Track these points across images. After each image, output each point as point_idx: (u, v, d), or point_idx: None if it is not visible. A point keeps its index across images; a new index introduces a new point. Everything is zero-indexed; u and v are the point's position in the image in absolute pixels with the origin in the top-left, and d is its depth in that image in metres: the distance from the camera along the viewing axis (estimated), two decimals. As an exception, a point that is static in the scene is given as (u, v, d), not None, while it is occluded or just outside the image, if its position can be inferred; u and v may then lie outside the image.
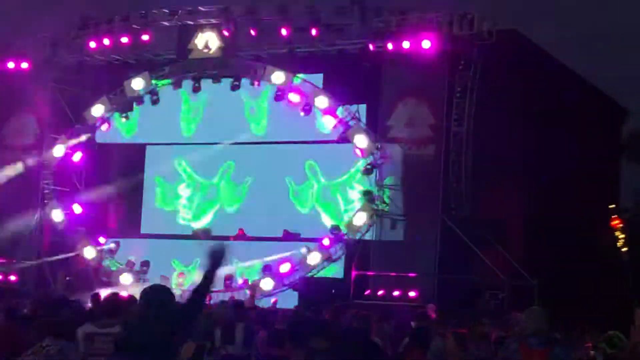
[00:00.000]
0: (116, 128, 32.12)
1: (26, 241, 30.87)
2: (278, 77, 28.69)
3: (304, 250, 27.96)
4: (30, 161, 31.40)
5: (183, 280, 28.89)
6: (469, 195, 26.85)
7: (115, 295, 11.51)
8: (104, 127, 31.64)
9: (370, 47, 27.46)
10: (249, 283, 28.07)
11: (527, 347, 8.86)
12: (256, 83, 29.55)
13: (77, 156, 31.61)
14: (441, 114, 26.99)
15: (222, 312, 13.76)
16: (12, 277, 30.16)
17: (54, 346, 6.90)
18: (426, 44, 26.43)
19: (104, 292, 20.09)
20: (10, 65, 31.57)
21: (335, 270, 28.24)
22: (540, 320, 8.98)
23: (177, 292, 26.35)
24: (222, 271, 27.68)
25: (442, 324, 16.04)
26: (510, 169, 27.36)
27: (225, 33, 29.21)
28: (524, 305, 10.07)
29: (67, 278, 29.93)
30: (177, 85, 30.58)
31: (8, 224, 30.28)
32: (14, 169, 31.27)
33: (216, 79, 29.98)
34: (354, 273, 26.93)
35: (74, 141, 31.37)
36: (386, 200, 27.20)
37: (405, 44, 26.69)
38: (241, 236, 30.09)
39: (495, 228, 26.48)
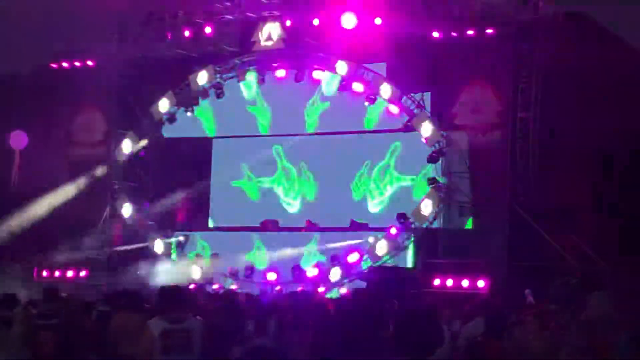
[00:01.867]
0: (182, 123, 32.27)
1: (96, 237, 31.25)
2: (342, 67, 28.62)
3: (371, 239, 27.88)
4: (104, 168, 31.77)
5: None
6: (537, 181, 26.60)
7: (179, 288, 11.54)
8: (171, 121, 31.82)
9: (435, 34, 27.28)
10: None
11: (593, 332, 8.69)
12: (320, 73, 29.58)
13: (144, 151, 31.89)
14: (507, 100, 26.76)
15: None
16: (83, 273, 30.51)
17: None
18: (490, 29, 26.21)
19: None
20: (77, 63, 31.99)
21: (403, 259, 28.13)
22: (607, 304, 8.81)
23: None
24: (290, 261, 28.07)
25: (518, 310, 15.90)
26: (579, 154, 26.99)
27: (288, 24, 29.23)
28: (595, 291, 9.92)
29: (137, 272, 30.21)
30: (241, 78, 30.69)
31: (79, 220, 30.71)
32: (94, 174, 31.68)
33: (279, 70, 30.04)
34: (422, 262, 26.84)
35: (141, 137, 31.64)
36: (452, 187, 27.03)
37: (470, 31, 26.50)
38: (310, 227, 30.22)
39: (564, 214, 26.17)
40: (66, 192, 31.37)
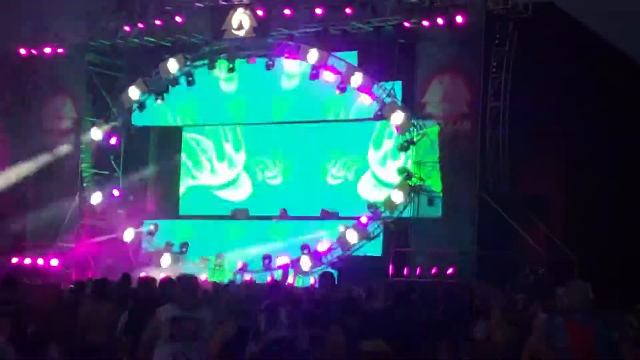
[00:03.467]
0: (151, 110, 32.12)
1: (66, 225, 31.11)
2: (313, 55, 28.57)
3: (342, 228, 27.90)
4: (68, 146, 31.59)
5: (221, 261, 29.02)
6: (507, 171, 26.70)
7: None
8: (140, 109, 31.69)
9: (405, 24, 27.29)
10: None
11: (573, 322, 8.62)
12: (290, 62, 29.57)
13: (114, 139, 31.77)
14: (477, 90, 26.78)
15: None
16: (54, 261, 30.34)
17: None
18: (460, 19, 26.24)
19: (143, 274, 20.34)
20: (47, 50, 31.79)
21: (373, 248, 28.17)
22: (586, 295, 8.76)
23: (215, 272, 26.77)
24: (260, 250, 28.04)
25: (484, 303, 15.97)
26: (549, 144, 27.11)
27: (259, 12, 29.16)
28: (564, 281, 9.90)
29: (108, 261, 30.11)
30: (211, 66, 30.60)
31: (48, 208, 30.54)
32: (56, 153, 31.46)
33: (250, 59, 29.99)
34: (392, 251, 26.90)
35: (110, 124, 31.52)
36: (423, 177, 27.06)
37: (440, 20, 26.52)
38: (283, 216, 30.27)
39: (534, 204, 26.28)
40: (26, 168, 31.21)
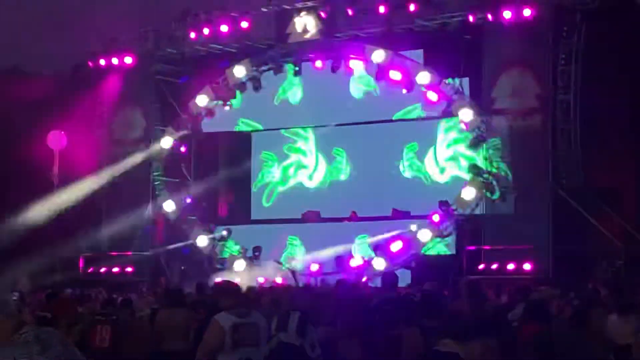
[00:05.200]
0: (221, 116, 32.33)
1: (140, 233, 31.43)
2: (378, 55, 28.49)
3: (414, 227, 27.77)
4: (139, 155, 31.90)
5: (295, 264, 29.05)
6: (580, 164, 26.37)
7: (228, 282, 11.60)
8: (209, 116, 31.91)
9: (470, 19, 27.08)
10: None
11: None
12: (355, 63, 29.53)
13: (184, 147, 32.02)
14: (546, 83, 26.50)
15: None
16: (129, 269, 30.69)
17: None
18: (527, 12, 25.97)
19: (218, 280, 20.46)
20: (115, 60, 32.17)
21: (446, 247, 28.02)
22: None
23: (289, 274, 26.78)
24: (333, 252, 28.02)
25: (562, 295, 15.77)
26: (621, 134, 26.72)
27: (323, 14, 29.18)
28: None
29: (182, 267, 30.37)
30: (277, 70, 30.69)
31: (122, 217, 30.89)
32: (130, 162, 31.77)
33: (316, 61, 30.01)
34: (466, 248, 26.72)
35: (180, 132, 31.75)
36: (494, 173, 26.83)
37: (506, 14, 26.25)
38: (354, 217, 30.26)
39: (608, 195, 25.93)
40: (99, 179, 31.54)
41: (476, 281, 16.70)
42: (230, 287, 11.10)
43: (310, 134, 32.76)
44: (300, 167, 33.10)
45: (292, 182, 33.22)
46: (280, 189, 33.37)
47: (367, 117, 31.08)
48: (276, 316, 11.44)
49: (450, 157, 30.37)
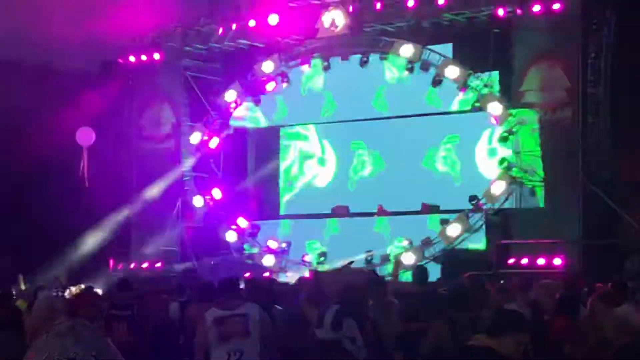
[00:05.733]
0: (250, 112, 32.39)
1: (169, 229, 31.52)
2: (407, 50, 28.43)
3: (443, 222, 27.73)
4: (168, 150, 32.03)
5: (324, 259, 29.07)
6: (610, 157, 26.21)
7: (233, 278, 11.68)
8: (238, 112, 31.98)
9: (500, 12, 26.96)
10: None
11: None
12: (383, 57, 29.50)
13: (213, 142, 32.08)
14: (576, 76, 26.36)
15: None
16: (158, 264, 30.72)
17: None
18: (557, 5, 25.83)
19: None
20: (143, 57, 32.28)
21: (475, 241, 27.93)
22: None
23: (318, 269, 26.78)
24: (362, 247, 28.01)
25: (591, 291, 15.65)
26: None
27: (351, 9, 29.15)
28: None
29: (212, 262, 30.40)
30: (306, 65, 30.70)
31: (151, 213, 31.06)
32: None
33: (345, 56, 29.98)
34: (495, 243, 26.63)
35: (209, 128, 31.82)
36: (524, 167, 26.74)
37: (536, 7, 26.14)
38: (381, 212, 30.23)
39: (639, 190, 25.75)
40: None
41: (478, 276, 16.56)
42: (258, 284, 11.19)
43: (336, 128, 32.63)
44: (323, 162, 33.06)
45: (318, 177, 33.20)
46: (309, 183, 33.36)
47: (394, 111, 31.03)
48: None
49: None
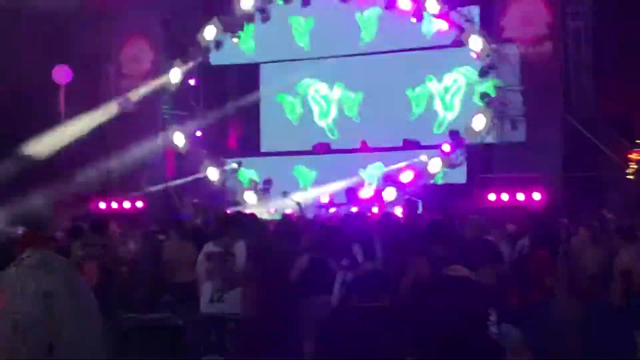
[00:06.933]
0: (229, 49, 32.06)
1: (150, 167, 31.31)
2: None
3: (424, 157, 27.68)
4: (147, 88, 31.68)
5: (305, 195, 29.04)
6: (591, 92, 26.15)
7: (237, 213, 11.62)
8: (217, 48, 31.66)
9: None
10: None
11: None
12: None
13: (192, 80, 31.80)
14: (557, 11, 26.23)
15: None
16: (139, 204, 30.61)
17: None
18: (538, -63, 25.64)
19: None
20: (121, -6, 31.87)
21: (456, 176, 27.92)
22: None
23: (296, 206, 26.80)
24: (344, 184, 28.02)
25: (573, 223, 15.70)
26: (636, 62, 26.42)
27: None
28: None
29: (194, 200, 30.29)
30: (286, 0, 30.39)
31: (131, 151, 30.77)
32: (135, 96, 31.52)
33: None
34: (476, 177, 26.64)
35: (188, 65, 31.52)
36: (505, 101, 26.67)
37: (516, -62, 25.94)
38: (364, 147, 30.19)
39: (621, 124, 25.74)
40: (107, 112, 31.31)
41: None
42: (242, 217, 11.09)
43: (319, 65, 32.39)
44: (309, 100, 32.94)
45: (300, 115, 33.09)
46: (290, 121, 33.23)
47: (374, 47, 30.85)
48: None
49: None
